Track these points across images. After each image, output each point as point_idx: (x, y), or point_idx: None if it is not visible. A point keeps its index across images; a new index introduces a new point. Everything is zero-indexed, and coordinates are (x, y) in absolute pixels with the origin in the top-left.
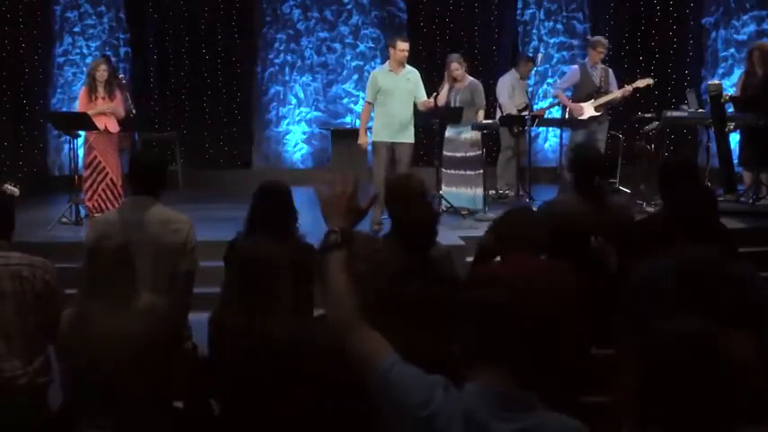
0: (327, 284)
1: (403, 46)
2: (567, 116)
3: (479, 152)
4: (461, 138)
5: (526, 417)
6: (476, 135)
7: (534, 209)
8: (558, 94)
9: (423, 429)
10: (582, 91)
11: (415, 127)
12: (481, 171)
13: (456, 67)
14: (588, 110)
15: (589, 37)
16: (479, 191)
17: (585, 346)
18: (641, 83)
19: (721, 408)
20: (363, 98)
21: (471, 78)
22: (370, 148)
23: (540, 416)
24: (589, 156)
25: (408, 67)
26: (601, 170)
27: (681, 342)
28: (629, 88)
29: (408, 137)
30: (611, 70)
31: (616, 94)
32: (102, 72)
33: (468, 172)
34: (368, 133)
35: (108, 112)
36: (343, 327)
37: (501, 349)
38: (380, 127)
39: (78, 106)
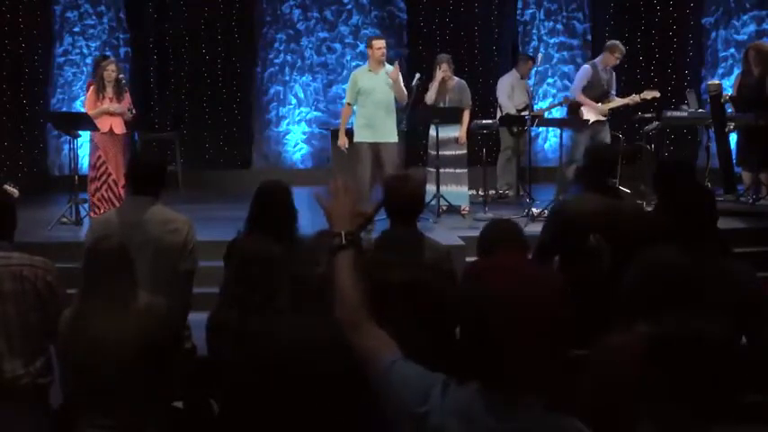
0: (335, 284)
1: (379, 44)
2: (569, 117)
3: (465, 151)
4: (450, 136)
5: (526, 417)
6: (464, 134)
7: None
8: (580, 96)
9: (419, 426)
10: (590, 93)
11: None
12: (466, 170)
13: (446, 68)
14: (598, 113)
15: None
16: (465, 188)
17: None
18: (648, 94)
19: (716, 405)
20: None
21: (457, 78)
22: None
23: (541, 416)
24: (604, 154)
25: (388, 66)
26: (614, 169)
27: (677, 341)
28: (636, 98)
29: (391, 136)
30: (614, 74)
31: (624, 101)
32: (111, 72)
33: (457, 170)
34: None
35: (116, 112)
36: (349, 324)
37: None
38: (361, 127)
39: (86, 105)
